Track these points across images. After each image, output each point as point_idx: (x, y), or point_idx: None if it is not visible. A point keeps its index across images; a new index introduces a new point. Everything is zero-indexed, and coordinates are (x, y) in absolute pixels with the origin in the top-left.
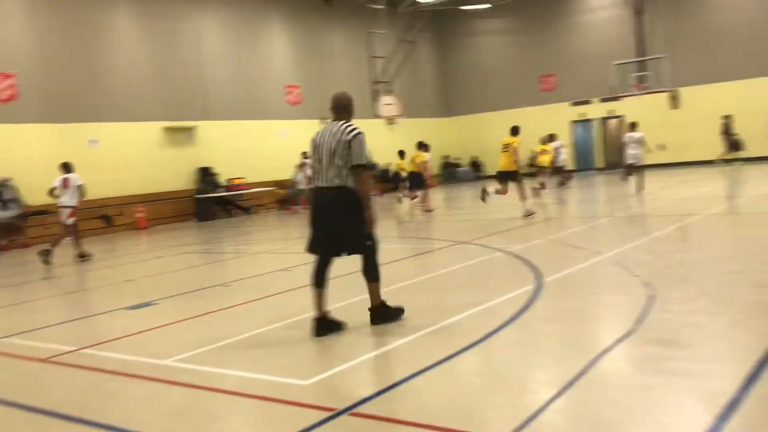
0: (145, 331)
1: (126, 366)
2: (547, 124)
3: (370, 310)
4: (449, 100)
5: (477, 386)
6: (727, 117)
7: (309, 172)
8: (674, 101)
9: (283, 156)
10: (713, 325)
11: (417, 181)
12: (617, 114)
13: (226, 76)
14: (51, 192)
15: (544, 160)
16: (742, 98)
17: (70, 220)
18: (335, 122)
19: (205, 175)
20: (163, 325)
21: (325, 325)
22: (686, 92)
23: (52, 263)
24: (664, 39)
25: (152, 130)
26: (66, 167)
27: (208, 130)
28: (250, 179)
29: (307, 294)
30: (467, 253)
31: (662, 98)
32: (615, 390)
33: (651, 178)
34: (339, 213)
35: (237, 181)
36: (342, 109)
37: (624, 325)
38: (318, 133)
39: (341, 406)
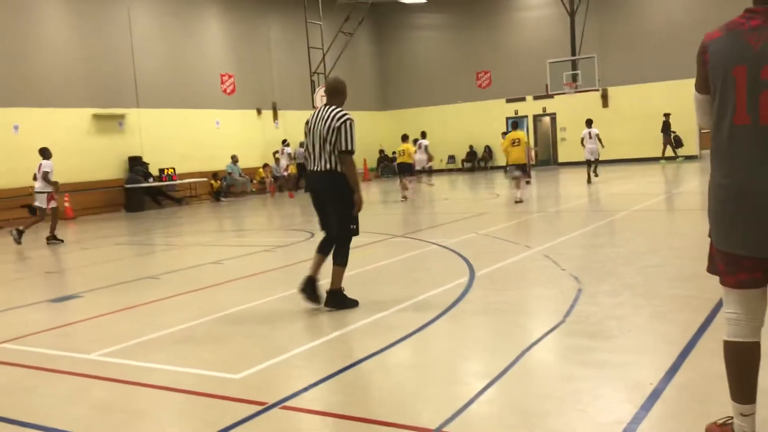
0: (69, 324)
1: (48, 361)
2: (483, 120)
3: (327, 293)
4: (386, 94)
5: (409, 378)
6: (666, 115)
7: (285, 160)
8: (604, 100)
9: (218, 146)
10: (637, 317)
11: (408, 170)
12: (550, 112)
13: (158, 63)
14: (34, 177)
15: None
16: (668, 99)
17: (51, 204)
18: (327, 106)
19: (136, 164)
20: (88, 319)
21: (310, 286)
22: (614, 92)
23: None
24: (595, 39)
25: (80, 116)
26: (41, 153)
27: (139, 118)
28: (183, 169)
29: (239, 287)
30: (402, 246)
31: (594, 97)
32: (543, 381)
33: (579, 175)
34: (327, 196)
35: (169, 171)
36: (334, 93)
37: (552, 317)
38: (311, 116)
39: (272, 400)
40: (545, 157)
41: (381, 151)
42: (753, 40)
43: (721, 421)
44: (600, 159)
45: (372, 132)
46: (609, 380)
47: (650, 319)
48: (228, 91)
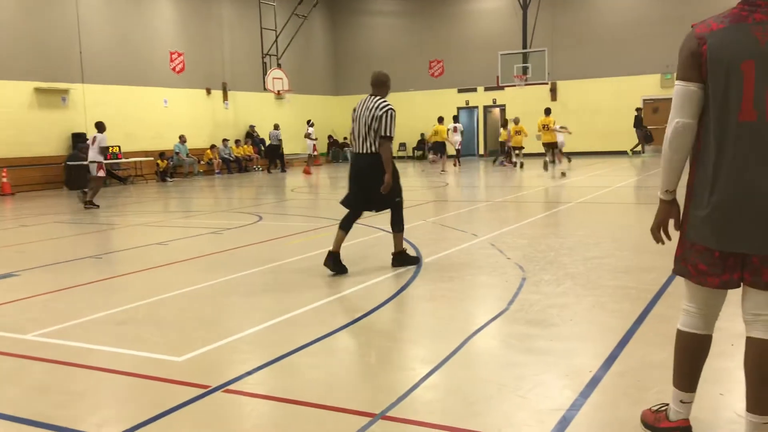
0: (4, 303)
1: None
2: (435, 109)
3: (393, 254)
4: (339, 79)
5: (354, 363)
6: (638, 110)
7: (313, 141)
8: (552, 93)
9: (166, 125)
10: (578, 306)
11: (440, 148)
12: (500, 103)
13: (105, 37)
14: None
15: (519, 140)
16: (613, 94)
17: (100, 173)
18: (372, 97)
19: (79, 141)
20: (25, 298)
21: (335, 260)
22: (563, 86)
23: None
24: (546, 33)
25: (20, 90)
26: (98, 126)
27: (84, 93)
28: (128, 148)
29: (183, 269)
30: (351, 232)
31: (543, 90)
32: (486, 367)
33: (528, 166)
34: (370, 175)
35: (114, 150)
36: (379, 84)
37: (497, 304)
38: (358, 104)
39: (215, 384)
40: (494, 147)
41: (330, 137)
42: (759, 34)
43: (655, 408)
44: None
45: (323, 117)
46: (550, 367)
47: (591, 309)
48: (177, 69)
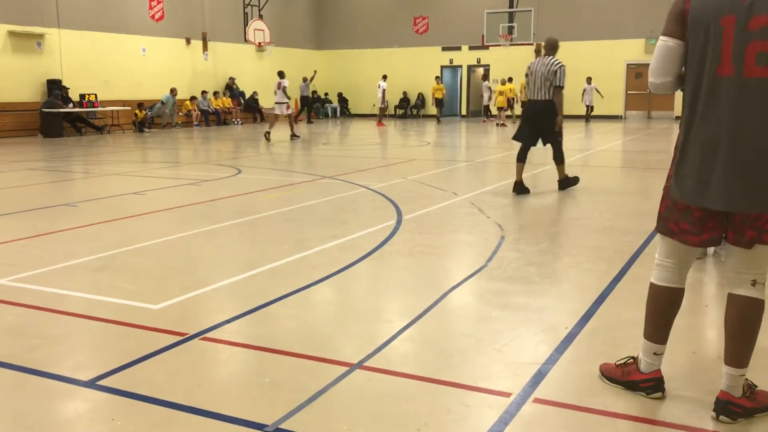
0: None
1: None
2: (418, 67)
3: (558, 181)
4: (321, 33)
5: (332, 315)
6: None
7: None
8: (537, 55)
9: (143, 74)
10: (556, 265)
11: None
12: (484, 63)
13: None
14: (275, 92)
15: (502, 100)
16: (597, 58)
17: (288, 111)
18: (546, 56)
19: (55, 88)
20: (0, 243)
21: (521, 188)
22: None
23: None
24: None
25: None
26: (280, 74)
27: (60, 39)
28: (105, 96)
29: (160, 219)
30: (331, 188)
31: (528, 51)
32: (462, 321)
33: (512, 128)
34: (543, 117)
35: (90, 98)
36: (552, 48)
37: (475, 261)
38: (532, 63)
39: (192, 331)
40: (476, 108)
41: (314, 92)
42: None
43: (621, 362)
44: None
45: (304, 71)
46: (526, 323)
47: (568, 268)
48: (156, 17)
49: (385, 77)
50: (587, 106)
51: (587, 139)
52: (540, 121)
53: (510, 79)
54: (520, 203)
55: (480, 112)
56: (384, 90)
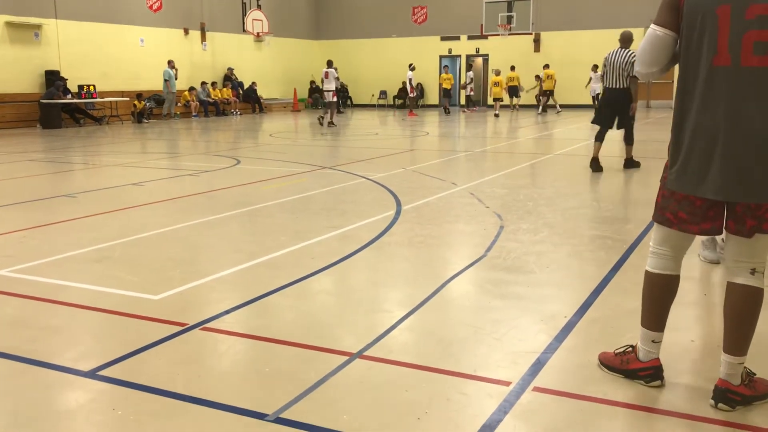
0: None
1: None
2: (416, 57)
3: (624, 160)
4: (320, 23)
5: (332, 305)
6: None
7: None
8: (536, 44)
9: (142, 65)
10: (555, 254)
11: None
12: (483, 53)
13: None
14: (322, 81)
15: (497, 91)
16: (596, 47)
17: (334, 98)
18: (622, 49)
19: (54, 78)
20: None
21: (597, 165)
22: (546, 37)
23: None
24: None
25: None
26: (328, 63)
27: (58, 29)
28: (103, 87)
29: (160, 210)
30: (330, 178)
31: (527, 40)
32: (462, 311)
33: (504, 118)
34: (620, 103)
35: (90, 89)
36: (628, 40)
37: (474, 251)
38: (610, 53)
39: (192, 322)
40: (477, 98)
41: (312, 82)
42: None
43: (620, 350)
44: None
45: (303, 62)
46: (526, 312)
47: (568, 257)
48: (154, 7)
49: (412, 67)
50: (594, 96)
51: (586, 129)
52: (617, 107)
53: (513, 68)
54: (519, 193)
55: (479, 102)
56: (411, 79)
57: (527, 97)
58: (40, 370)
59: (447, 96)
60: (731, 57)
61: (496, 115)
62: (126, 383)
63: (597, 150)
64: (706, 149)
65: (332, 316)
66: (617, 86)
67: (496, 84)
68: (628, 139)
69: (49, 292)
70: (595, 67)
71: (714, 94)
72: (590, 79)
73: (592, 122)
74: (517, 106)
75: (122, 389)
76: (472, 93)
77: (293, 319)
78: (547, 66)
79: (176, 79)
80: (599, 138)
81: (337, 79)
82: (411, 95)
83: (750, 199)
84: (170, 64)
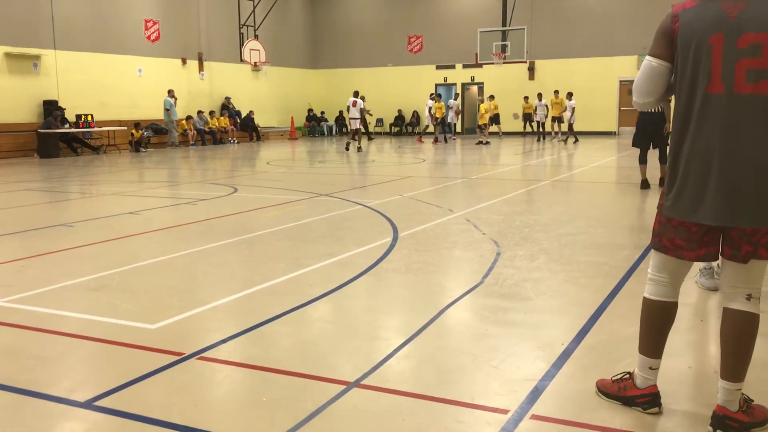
0: None
1: None
2: (413, 85)
3: (660, 179)
4: (317, 53)
5: (329, 333)
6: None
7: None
8: (530, 72)
9: (140, 95)
10: (552, 281)
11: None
12: (478, 81)
13: (77, 2)
14: (348, 109)
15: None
16: (590, 75)
17: (359, 126)
18: None
19: (52, 108)
20: None
21: (646, 183)
22: (541, 65)
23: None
24: (526, 11)
25: None
26: (355, 94)
27: (56, 60)
28: (102, 117)
29: (157, 238)
30: (327, 205)
31: (521, 69)
32: (459, 338)
33: (505, 144)
34: (657, 125)
35: (88, 118)
36: None
37: (471, 278)
38: None
39: (189, 351)
40: (471, 125)
41: (309, 110)
42: (729, 9)
43: (617, 377)
44: (524, 131)
45: (301, 90)
46: (523, 339)
47: (564, 283)
48: (152, 38)
49: (432, 96)
50: (538, 122)
51: (580, 155)
52: (653, 129)
53: (492, 97)
54: (515, 219)
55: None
56: (431, 108)
57: (514, 125)
58: (36, 401)
59: (439, 124)
60: (725, 85)
61: (481, 143)
62: (122, 413)
63: (644, 172)
64: (701, 176)
65: (330, 344)
66: (652, 110)
67: (486, 111)
68: (663, 159)
69: (45, 321)
70: (539, 96)
71: (709, 122)
72: (535, 107)
73: (633, 146)
74: (500, 134)
75: (118, 419)
76: (454, 122)
77: (290, 348)
78: (556, 93)
79: (175, 107)
80: (642, 160)
81: (363, 108)
82: (434, 124)
83: (745, 224)
84: (170, 93)
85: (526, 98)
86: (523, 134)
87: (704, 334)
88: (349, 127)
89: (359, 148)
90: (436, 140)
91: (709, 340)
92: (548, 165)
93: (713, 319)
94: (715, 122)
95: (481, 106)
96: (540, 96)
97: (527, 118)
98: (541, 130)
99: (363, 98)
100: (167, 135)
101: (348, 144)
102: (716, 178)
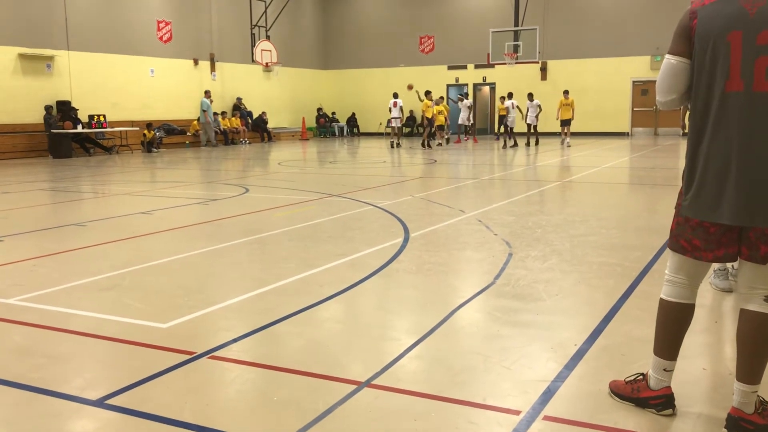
0: None
1: None
2: (424, 86)
3: None
4: (328, 53)
5: (340, 333)
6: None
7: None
8: (543, 73)
9: (152, 95)
10: (564, 282)
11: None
12: (490, 81)
13: (90, 3)
14: (390, 110)
15: (441, 119)
16: (603, 75)
17: (400, 124)
18: None
19: (65, 109)
20: (9, 263)
21: None
22: (553, 65)
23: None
24: (539, 11)
25: (4, 55)
26: (395, 95)
27: (69, 61)
28: (114, 117)
29: (168, 238)
30: (338, 206)
31: (533, 69)
32: (471, 339)
33: (511, 147)
34: None
35: (100, 119)
36: None
37: (483, 279)
38: None
39: (200, 350)
40: (483, 125)
41: (319, 110)
42: (748, 6)
43: (630, 378)
44: (535, 132)
45: (312, 91)
46: (535, 340)
47: (576, 284)
48: (164, 38)
49: (458, 98)
50: (529, 125)
51: (593, 156)
52: None
53: (503, 98)
54: (527, 220)
55: (487, 130)
56: (468, 106)
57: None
58: (48, 399)
59: (441, 130)
60: (744, 82)
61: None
62: (133, 412)
63: None
64: (719, 175)
65: (340, 345)
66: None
67: (440, 113)
68: None
69: (57, 320)
70: (530, 96)
71: (727, 120)
72: (527, 108)
73: None
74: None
75: (130, 418)
76: (469, 122)
77: (301, 348)
78: (566, 93)
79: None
80: None
81: (401, 108)
82: (468, 123)
83: (764, 224)
84: (207, 94)
85: (502, 99)
86: (497, 135)
87: (719, 336)
88: (391, 126)
89: (398, 144)
90: (439, 144)
91: (724, 342)
92: (560, 166)
93: (728, 321)
94: (734, 121)
95: (501, 106)
96: (510, 95)
97: (502, 120)
98: (508, 132)
99: (398, 96)
100: (200, 135)
101: (392, 142)
102: (735, 177)
